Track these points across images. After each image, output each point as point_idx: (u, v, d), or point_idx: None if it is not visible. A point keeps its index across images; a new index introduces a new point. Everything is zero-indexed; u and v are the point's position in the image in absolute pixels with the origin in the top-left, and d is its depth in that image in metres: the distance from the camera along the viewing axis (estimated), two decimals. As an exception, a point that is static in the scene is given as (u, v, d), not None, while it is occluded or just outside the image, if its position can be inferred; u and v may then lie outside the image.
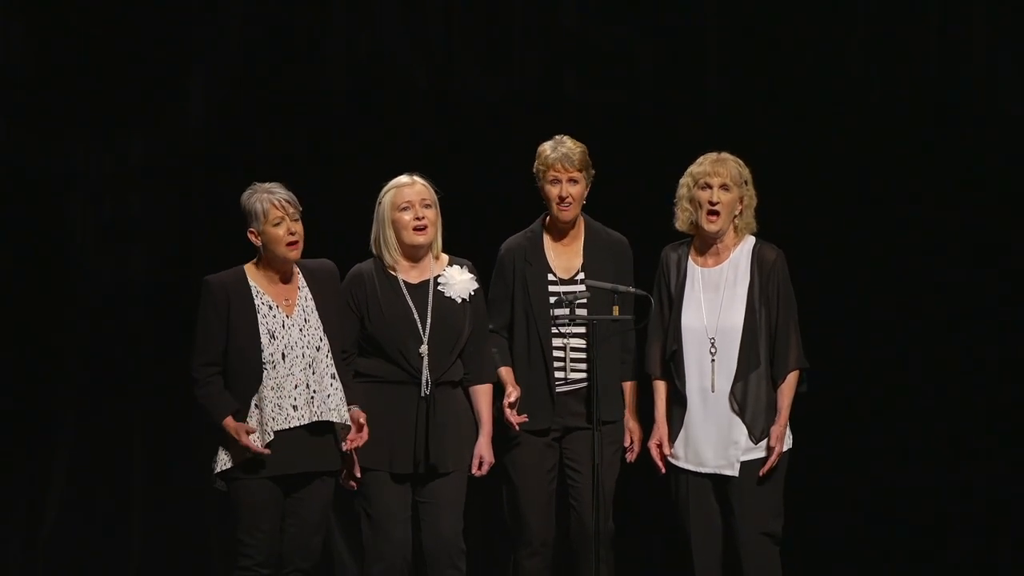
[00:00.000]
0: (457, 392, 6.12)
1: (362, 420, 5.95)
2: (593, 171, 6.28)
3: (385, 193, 6.12)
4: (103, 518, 7.71)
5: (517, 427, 6.15)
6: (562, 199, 6.23)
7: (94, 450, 7.70)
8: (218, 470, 5.86)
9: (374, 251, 6.14)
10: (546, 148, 6.28)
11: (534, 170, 6.29)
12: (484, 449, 6.12)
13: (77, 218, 7.74)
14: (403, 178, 6.13)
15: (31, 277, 7.67)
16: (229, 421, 5.80)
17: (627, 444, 6.26)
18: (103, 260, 7.74)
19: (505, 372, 6.24)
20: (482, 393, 6.16)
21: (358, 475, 6.02)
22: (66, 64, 7.69)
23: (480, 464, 6.11)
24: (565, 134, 6.31)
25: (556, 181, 6.23)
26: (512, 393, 6.16)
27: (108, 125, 7.73)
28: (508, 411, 6.14)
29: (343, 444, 5.95)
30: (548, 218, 6.34)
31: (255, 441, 5.80)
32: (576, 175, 6.23)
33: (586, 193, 6.28)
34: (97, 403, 7.70)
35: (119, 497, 7.73)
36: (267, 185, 5.92)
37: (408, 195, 6.09)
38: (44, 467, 7.70)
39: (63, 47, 7.69)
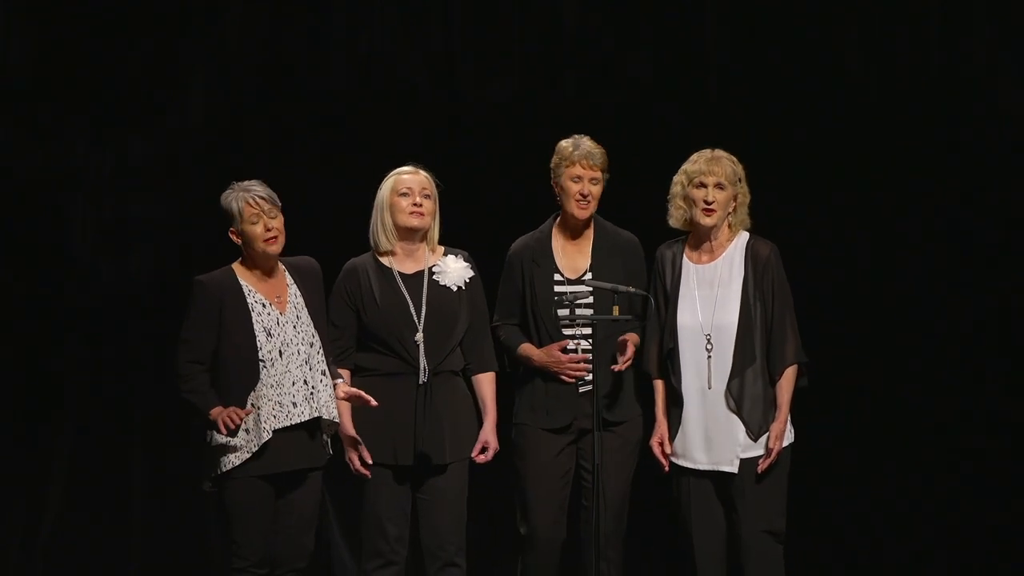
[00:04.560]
0: (457, 383, 6.13)
1: (342, 393, 5.97)
2: (607, 174, 6.28)
3: (387, 179, 6.15)
4: (103, 518, 7.70)
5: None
6: (583, 196, 6.21)
7: (94, 450, 7.70)
8: (214, 474, 5.85)
9: (371, 239, 6.15)
10: (567, 145, 6.27)
11: (552, 165, 6.27)
12: (489, 434, 6.13)
13: (77, 218, 7.74)
14: (406, 167, 6.18)
15: (30, 277, 7.67)
16: (217, 409, 5.78)
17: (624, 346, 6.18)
18: (103, 260, 7.74)
19: (527, 347, 6.24)
20: (486, 380, 6.19)
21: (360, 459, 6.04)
22: (66, 64, 7.68)
23: (484, 450, 6.11)
24: (569, 135, 6.31)
25: (578, 179, 6.22)
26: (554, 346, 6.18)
27: (108, 125, 7.73)
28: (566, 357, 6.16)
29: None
30: (559, 218, 6.32)
31: (250, 438, 5.80)
32: (598, 175, 6.23)
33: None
34: (97, 403, 7.70)
35: (119, 497, 7.72)
36: (244, 183, 5.96)
37: (409, 182, 6.13)
38: (44, 467, 7.70)
39: (63, 47, 7.69)
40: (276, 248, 5.92)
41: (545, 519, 6.22)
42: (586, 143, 6.25)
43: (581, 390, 6.21)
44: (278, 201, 5.93)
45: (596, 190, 6.23)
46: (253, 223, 5.89)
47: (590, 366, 6.11)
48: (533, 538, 6.25)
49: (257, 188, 5.93)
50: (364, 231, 6.22)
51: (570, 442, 6.24)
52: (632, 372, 6.19)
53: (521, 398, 6.28)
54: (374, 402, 5.95)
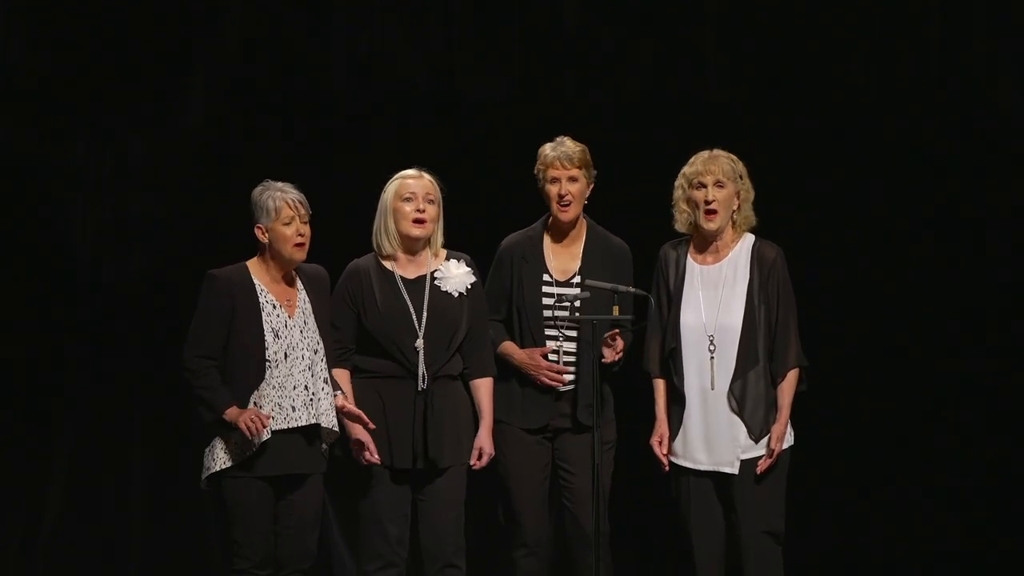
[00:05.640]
0: (456, 386, 6.13)
1: (341, 403, 5.96)
2: (595, 171, 6.28)
3: (391, 183, 6.14)
4: (103, 518, 7.70)
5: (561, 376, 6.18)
6: (561, 197, 6.21)
7: (94, 450, 7.69)
8: (215, 469, 5.84)
9: (374, 241, 6.15)
10: (546, 148, 6.28)
11: (535, 171, 6.29)
12: (484, 440, 6.13)
13: (77, 218, 7.74)
14: (411, 171, 6.15)
15: (30, 277, 7.66)
16: (233, 410, 5.78)
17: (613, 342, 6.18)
18: (103, 260, 7.74)
19: (510, 345, 6.25)
20: (483, 386, 6.17)
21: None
22: (66, 64, 7.68)
23: (480, 456, 6.12)
24: (566, 135, 6.32)
25: (556, 180, 6.22)
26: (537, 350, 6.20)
27: (108, 125, 7.73)
28: (546, 364, 6.18)
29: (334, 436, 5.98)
30: (550, 219, 6.33)
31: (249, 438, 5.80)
32: (576, 173, 6.22)
33: (587, 193, 6.26)
34: (97, 403, 7.69)
35: (119, 497, 7.72)
36: (280, 184, 5.94)
37: (413, 187, 6.11)
38: (44, 467, 7.70)
39: (63, 47, 7.69)
40: (302, 255, 5.93)
41: (531, 518, 6.25)
42: (565, 144, 6.26)
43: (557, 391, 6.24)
44: (310, 209, 5.94)
45: (575, 189, 6.22)
46: (287, 223, 5.88)
47: (565, 375, 6.16)
48: (521, 536, 6.27)
49: (293, 192, 5.92)
50: (364, 231, 6.22)
51: (545, 438, 6.27)
52: (605, 375, 6.18)
53: (498, 395, 6.27)
54: (372, 424, 5.97)
